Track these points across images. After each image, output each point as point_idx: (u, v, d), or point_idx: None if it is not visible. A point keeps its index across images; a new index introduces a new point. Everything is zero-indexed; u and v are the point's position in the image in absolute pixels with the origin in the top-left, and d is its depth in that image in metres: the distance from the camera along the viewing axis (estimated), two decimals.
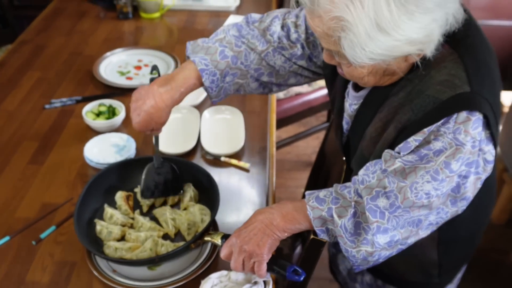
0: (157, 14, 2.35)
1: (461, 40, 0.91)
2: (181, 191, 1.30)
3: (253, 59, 1.18)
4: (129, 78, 1.86)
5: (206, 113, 1.64)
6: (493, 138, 0.89)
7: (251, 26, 1.19)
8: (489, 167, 0.91)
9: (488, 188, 1.10)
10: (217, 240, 1.09)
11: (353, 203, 0.95)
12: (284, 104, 2.46)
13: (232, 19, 2.30)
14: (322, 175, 1.59)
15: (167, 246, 1.15)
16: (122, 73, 1.88)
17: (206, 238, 1.11)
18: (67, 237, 1.24)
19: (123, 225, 1.23)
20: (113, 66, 1.93)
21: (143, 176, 1.27)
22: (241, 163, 1.48)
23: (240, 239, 1.00)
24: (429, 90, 0.89)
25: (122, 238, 1.21)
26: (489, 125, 0.87)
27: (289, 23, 1.17)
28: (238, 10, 2.45)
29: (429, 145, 0.88)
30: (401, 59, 0.89)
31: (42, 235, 1.24)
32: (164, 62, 1.95)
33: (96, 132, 1.57)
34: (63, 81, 1.84)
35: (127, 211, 1.27)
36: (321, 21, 0.83)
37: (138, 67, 1.93)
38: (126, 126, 1.62)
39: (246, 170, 1.47)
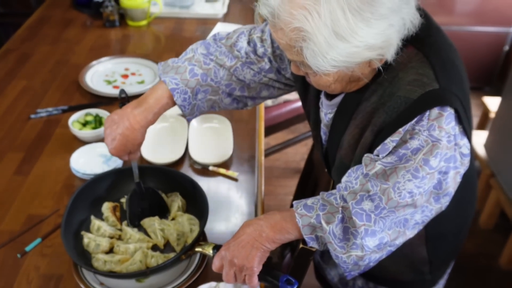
0: (144, 22, 2.34)
1: (424, 40, 0.93)
2: (168, 213, 1.29)
3: (223, 75, 1.20)
4: (116, 87, 1.84)
5: (194, 122, 1.63)
6: (466, 132, 0.92)
7: (218, 43, 1.21)
8: (466, 161, 0.93)
9: (469, 183, 1.12)
10: (209, 251, 1.08)
11: (340, 208, 0.95)
12: (273, 111, 2.46)
13: (220, 26, 2.30)
14: (310, 182, 1.58)
15: (157, 258, 1.14)
16: (109, 82, 1.87)
17: (197, 249, 1.10)
18: (53, 250, 1.22)
19: (111, 237, 1.21)
20: (100, 74, 1.91)
21: (128, 204, 1.26)
22: (230, 172, 1.47)
23: (229, 252, 1.00)
24: (400, 91, 0.91)
25: (110, 250, 1.19)
26: (461, 119, 0.90)
27: (255, 38, 1.20)
28: (226, 18, 2.44)
29: (406, 144, 0.90)
30: (365, 65, 0.90)
31: (27, 248, 1.22)
32: (151, 70, 1.94)
33: (82, 142, 1.55)
34: (49, 90, 1.82)
35: (114, 222, 1.25)
36: (283, 33, 0.85)
37: (125, 76, 1.91)
38: None
39: (235, 179, 1.46)
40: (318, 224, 0.96)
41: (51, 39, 2.18)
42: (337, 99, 1.05)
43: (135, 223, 1.26)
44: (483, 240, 2.55)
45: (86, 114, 1.61)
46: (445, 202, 0.95)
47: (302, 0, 0.80)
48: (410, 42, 0.92)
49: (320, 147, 1.20)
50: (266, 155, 2.83)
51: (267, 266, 1.01)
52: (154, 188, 1.30)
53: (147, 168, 1.36)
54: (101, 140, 1.56)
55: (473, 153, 1.07)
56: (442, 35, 0.99)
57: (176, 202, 1.28)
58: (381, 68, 0.90)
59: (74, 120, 1.59)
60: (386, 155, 0.92)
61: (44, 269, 1.18)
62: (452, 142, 0.90)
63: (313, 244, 0.99)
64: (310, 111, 1.18)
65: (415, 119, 0.89)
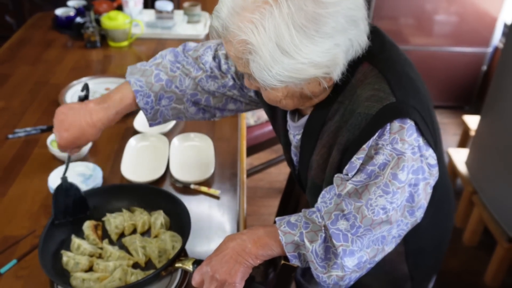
0: (125, 43, 2.34)
1: (378, 55, 0.95)
2: (88, 211, 1.27)
3: (188, 84, 1.21)
4: None
5: (175, 140, 1.62)
6: (429, 142, 0.92)
7: (186, 54, 1.23)
8: (434, 171, 0.94)
9: (444, 195, 1.13)
10: (189, 266, 1.06)
11: (322, 227, 0.94)
12: (255, 130, 2.46)
13: None
14: (292, 201, 1.58)
15: (137, 275, 1.11)
16: None
17: (177, 265, 1.08)
18: (28, 271, 1.19)
19: (91, 255, 1.18)
20: (80, 94, 1.89)
21: (53, 200, 1.22)
22: (211, 190, 1.45)
23: (211, 266, 0.98)
24: (360, 108, 0.92)
25: (90, 269, 1.16)
26: (422, 130, 0.90)
27: (220, 54, 1.21)
28: (207, 38, 2.45)
29: (373, 160, 0.90)
30: (315, 83, 0.91)
31: (2, 270, 1.18)
32: None
33: (61, 162, 1.53)
34: (27, 110, 1.80)
35: (95, 240, 1.22)
36: (232, 45, 0.87)
37: None
38: (92, 155, 1.58)
39: (217, 197, 1.44)
40: (301, 242, 0.95)
41: (31, 60, 2.17)
42: (302, 120, 1.06)
43: (60, 218, 1.22)
44: (468, 257, 2.55)
45: None
46: (419, 214, 0.95)
47: (249, 14, 0.82)
48: (365, 59, 0.93)
49: (293, 169, 1.20)
50: (249, 175, 2.82)
51: (250, 282, 0.99)
52: (77, 185, 1.26)
53: (131, 186, 1.34)
54: (81, 159, 1.54)
55: (444, 164, 1.08)
56: (396, 50, 1.00)
57: (159, 219, 1.26)
58: (326, 86, 0.91)
59: (53, 139, 1.56)
60: (355, 174, 0.92)
61: None
62: (417, 153, 0.90)
63: (295, 262, 0.97)
64: (280, 134, 1.19)
65: (377, 134, 0.89)
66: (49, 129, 1.68)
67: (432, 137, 0.93)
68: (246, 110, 1.30)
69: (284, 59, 0.83)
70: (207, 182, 1.49)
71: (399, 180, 0.89)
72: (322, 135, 1.01)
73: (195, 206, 1.41)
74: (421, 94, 0.95)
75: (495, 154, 2.33)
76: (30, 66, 2.11)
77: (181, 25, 2.53)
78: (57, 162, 1.53)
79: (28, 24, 2.56)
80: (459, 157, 2.72)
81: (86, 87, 1.23)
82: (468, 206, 2.61)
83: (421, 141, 0.90)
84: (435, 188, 0.99)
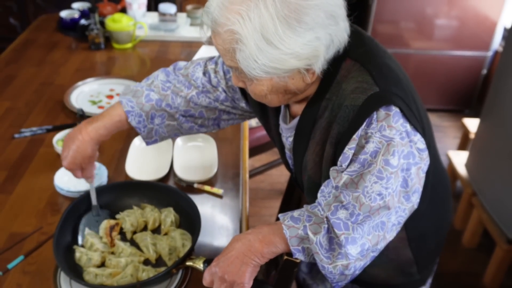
0: (129, 45, 2.37)
1: (359, 50, 1.00)
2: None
3: (180, 102, 1.27)
4: (101, 107, 1.85)
5: (179, 140, 1.65)
6: (416, 128, 0.96)
7: (177, 72, 1.29)
8: (424, 155, 0.97)
9: (439, 179, 1.17)
10: (199, 265, 1.08)
11: (325, 219, 0.97)
12: (257, 132, 2.48)
13: (205, 49, 2.33)
14: (293, 202, 1.60)
15: (148, 272, 1.13)
16: (94, 102, 1.88)
17: (188, 263, 1.10)
18: (35, 267, 1.21)
19: (103, 251, 1.21)
20: (85, 95, 1.92)
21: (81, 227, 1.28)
22: (214, 189, 1.47)
23: (219, 268, 1.00)
24: (346, 101, 0.96)
25: (102, 264, 1.18)
26: (407, 117, 0.94)
27: (210, 70, 1.27)
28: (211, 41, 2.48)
29: (364, 149, 0.94)
30: (298, 78, 0.96)
31: (10, 265, 1.20)
32: None
33: None
34: (33, 111, 1.82)
35: (107, 244, 1.24)
36: (220, 37, 0.92)
37: (110, 96, 1.92)
38: None
39: (220, 196, 1.47)
40: (305, 235, 0.97)
41: (36, 61, 2.19)
42: (294, 122, 1.10)
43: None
44: (467, 259, 2.57)
45: None
46: (415, 199, 0.98)
47: (236, 6, 0.88)
48: (347, 56, 0.99)
49: (290, 172, 1.24)
50: (251, 176, 2.84)
51: (258, 282, 1.01)
52: (108, 213, 1.32)
53: (142, 184, 1.36)
54: None
55: (435, 150, 1.11)
56: (375, 44, 1.05)
57: (169, 217, 1.28)
58: (309, 81, 0.96)
59: (59, 139, 1.59)
60: (349, 164, 0.96)
61: (27, 287, 1.16)
62: (405, 138, 0.94)
63: (299, 256, 0.99)
64: (274, 139, 1.23)
65: (365, 123, 0.94)
66: (55, 129, 1.71)
67: (418, 123, 0.97)
68: (239, 121, 1.36)
69: (269, 49, 0.88)
70: (210, 182, 1.51)
71: (392, 165, 0.92)
72: (314, 134, 1.05)
73: (199, 205, 1.41)
74: (403, 82, 1.00)
75: (494, 157, 2.35)
76: (35, 68, 2.14)
77: (184, 28, 2.56)
78: None
79: (33, 26, 2.59)
80: (459, 159, 2.74)
81: (81, 111, 1.39)
82: (467, 208, 2.63)
83: (408, 126, 0.94)
84: (429, 173, 1.02)
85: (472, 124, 2.99)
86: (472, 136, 2.90)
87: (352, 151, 0.95)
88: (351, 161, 0.95)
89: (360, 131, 0.94)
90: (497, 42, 3.57)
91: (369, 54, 1.01)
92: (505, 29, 3.47)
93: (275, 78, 0.95)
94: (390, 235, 0.98)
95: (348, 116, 0.96)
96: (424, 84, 3.69)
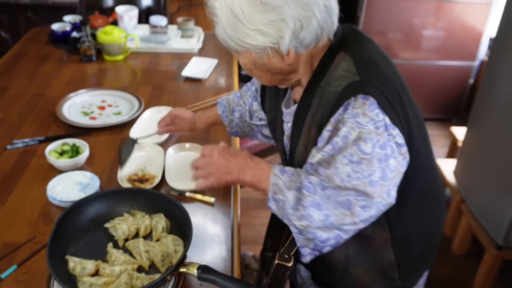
0: (120, 57, 2.39)
1: (352, 45, 1.10)
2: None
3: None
4: (93, 118, 1.87)
5: (171, 150, 1.67)
6: (395, 123, 1.00)
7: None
8: (403, 150, 1.03)
9: (429, 185, 1.20)
10: (193, 272, 1.10)
11: (300, 180, 1.06)
12: (248, 142, 2.50)
13: (195, 61, 2.36)
14: None
15: (142, 279, 1.14)
16: (85, 113, 1.89)
17: (182, 270, 1.12)
18: (28, 276, 1.22)
19: (96, 259, 1.22)
20: (77, 106, 1.94)
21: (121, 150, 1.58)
22: (206, 198, 1.49)
23: (214, 161, 1.20)
24: (331, 87, 1.05)
25: (96, 273, 1.19)
26: (386, 110, 0.99)
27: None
28: (201, 52, 2.52)
29: (338, 132, 1.01)
30: (278, 58, 1.06)
31: (3, 275, 1.21)
32: (128, 101, 1.98)
33: (59, 172, 1.56)
34: (25, 122, 1.84)
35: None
36: (206, 10, 1.06)
37: (102, 107, 1.94)
38: (89, 165, 1.62)
39: (211, 205, 1.48)
40: (282, 186, 1.08)
41: (28, 73, 2.21)
42: (293, 108, 1.19)
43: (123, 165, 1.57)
44: (457, 265, 2.60)
45: (63, 144, 1.63)
46: (394, 194, 1.04)
47: None
48: (342, 49, 1.09)
49: (285, 163, 1.29)
50: (242, 186, 2.85)
51: (250, 286, 1.03)
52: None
53: (131, 191, 1.38)
54: (78, 168, 1.58)
55: (428, 155, 1.16)
56: (370, 43, 1.13)
57: (160, 223, 1.29)
58: (288, 60, 1.05)
59: (51, 149, 1.60)
60: (324, 145, 1.04)
61: None
62: (380, 128, 0.99)
63: (271, 204, 1.10)
64: (277, 128, 1.32)
65: (342, 108, 1.01)
66: (47, 140, 1.72)
67: (398, 118, 1.01)
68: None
69: (237, 23, 1.00)
70: (202, 190, 1.53)
71: (363, 151, 0.99)
72: (306, 120, 1.12)
73: (190, 213, 1.43)
74: (388, 79, 1.05)
75: (481, 164, 2.39)
76: (27, 80, 2.16)
77: (175, 40, 2.59)
78: (55, 171, 1.57)
79: (24, 38, 2.61)
80: (448, 167, 2.78)
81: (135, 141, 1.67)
82: (456, 215, 2.67)
83: (387, 120, 1.00)
84: (418, 178, 1.09)
85: (460, 132, 3.03)
86: (460, 144, 2.94)
87: (328, 133, 1.04)
88: (327, 143, 1.04)
89: (336, 115, 1.02)
90: (483, 52, 3.63)
91: (360, 49, 1.09)
92: (491, 39, 3.53)
93: (253, 54, 1.06)
94: (362, 223, 1.04)
95: (330, 101, 1.04)
96: (413, 93, 3.71)
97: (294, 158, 1.19)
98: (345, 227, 1.04)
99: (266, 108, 1.38)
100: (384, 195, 1.01)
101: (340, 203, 1.02)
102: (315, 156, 1.05)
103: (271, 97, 1.34)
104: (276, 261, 1.04)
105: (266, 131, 1.51)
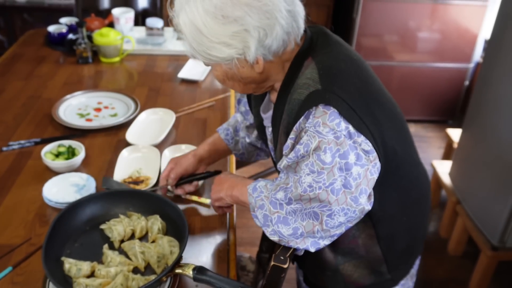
0: (117, 59, 2.39)
1: (320, 51, 1.09)
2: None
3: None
4: (89, 120, 1.87)
5: (167, 151, 1.67)
6: (360, 130, 1.00)
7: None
8: (372, 157, 1.02)
9: (414, 185, 1.22)
10: (189, 273, 1.10)
11: (267, 197, 1.08)
12: None
13: (192, 63, 2.36)
14: None
15: (138, 280, 1.14)
16: (81, 115, 1.89)
17: (177, 271, 1.12)
18: (24, 278, 1.21)
19: (92, 261, 1.22)
20: (73, 108, 1.94)
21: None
22: (202, 199, 1.49)
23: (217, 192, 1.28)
24: (295, 95, 1.06)
25: (91, 274, 1.19)
26: (349, 118, 0.99)
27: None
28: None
29: (300, 141, 1.02)
30: (248, 68, 1.06)
31: None
32: (124, 103, 1.98)
33: (55, 173, 1.56)
34: (21, 124, 1.83)
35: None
36: (173, 26, 1.07)
37: (98, 109, 1.94)
38: (85, 166, 1.62)
39: (207, 206, 1.49)
40: (254, 205, 1.11)
41: (24, 75, 2.21)
42: (269, 113, 1.22)
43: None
44: (453, 266, 2.60)
45: (59, 146, 1.63)
46: (364, 201, 1.02)
47: (177, 1, 1.04)
48: (310, 54, 1.09)
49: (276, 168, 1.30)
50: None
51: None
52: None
53: (127, 192, 1.38)
54: (74, 170, 1.58)
55: (404, 153, 1.15)
56: (339, 48, 1.12)
57: (156, 224, 1.30)
58: (258, 69, 1.06)
59: (47, 151, 1.60)
60: (289, 152, 1.05)
61: None
62: (341, 138, 0.98)
63: (256, 221, 1.11)
64: (261, 134, 1.35)
65: (303, 117, 1.02)
66: (43, 142, 1.72)
67: (364, 124, 1.01)
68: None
69: (201, 38, 1.01)
70: (198, 192, 1.53)
71: (323, 161, 0.98)
72: (280, 126, 1.13)
73: (187, 215, 1.44)
74: (353, 86, 1.04)
75: (477, 165, 2.40)
76: (23, 81, 2.16)
77: (171, 42, 2.59)
78: (51, 173, 1.57)
79: (20, 40, 2.61)
80: (443, 168, 2.79)
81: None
82: (452, 216, 2.68)
83: (350, 128, 0.99)
84: (396, 176, 1.10)
85: (455, 134, 3.04)
86: (455, 145, 2.96)
87: (292, 141, 1.05)
88: (290, 150, 1.05)
89: (298, 124, 1.03)
90: (478, 54, 3.65)
91: (326, 55, 1.08)
92: (486, 41, 3.55)
93: (223, 66, 1.07)
94: (337, 231, 1.04)
95: (293, 109, 1.05)
96: (408, 95, 3.76)
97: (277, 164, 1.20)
98: (317, 234, 1.03)
99: (254, 113, 1.38)
100: (350, 202, 1.00)
101: (307, 214, 1.02)
102: (283, 161, 1.06)
103: (255, 102, 1.34)
104: (272, 263, 1.04)
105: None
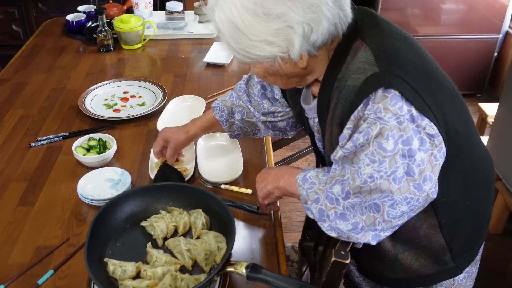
0: (138, 45, 2.32)
1: (369, 31, 1.02)
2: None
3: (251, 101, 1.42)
4: (117, 111, 1.80)
5: (201, 140, 1.60)
6: (424, 112, 0.92)
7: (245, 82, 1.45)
8: (437, 141, 0.94)
9: (476, 166, 1.14)
10: (241, 271, 1.03)
11: (322, 190, 1.02)
12: None
13: (216, 46, 2.28)
14: None
15: (187, 280, 1.08)
16: (109, 106, 1.83)
17: (229, 269, 1.05)
18: (66, 281, 1.16)
19: (136, 261, 1.15)
20: (99, 99, 1.87)
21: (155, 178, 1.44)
22: (243, 190, 1.43)
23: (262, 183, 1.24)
24: (349, 81, 0.98)
25: (137, 275, 1.13)
26: (412, 100, 0.91)
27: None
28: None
29: (358, 129, 0.94)
30: (292, 64, 1.00)
31: (40, 281, 1.15)
32: (150, 91, 1.91)
33: (87, 168, 1.50)
34: (47, 118, 1.77)
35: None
36: (212, 26, 1.02)
37: (125, 99, 1.87)
38: (118, 160, 1.56)
39: (248, 195, 1.42)
40: (307, 197, 1.05)
41: (45, 67, 2.14)
42: (314, 103, 1.15)
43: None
44: (493, 245, 2.52)
45: (89, 139, 1.56)
46: (428, 188, 0.95)
47: (210, 1, 0.99)
48: (358, 36, 1.01)
49: (321, 161, 1.25)
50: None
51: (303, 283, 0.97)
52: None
53: (166, 186, 1.31)
54: (107, 164, 1.52)
55: (466, 135, 1.07)
56: (388, 26, 1.05)
57: (199, 219, 1.22)
58: (302, 64, 1.00)
59: (78, 145, 1.54)
60: (346, 142, 0.97)
61: None
62: (404, 123, 0.91)
63: (308, 213, 1.06)
64: (305, 126, 1.27)
65: (362, 104, 0.94)
66: (71, 136, 1.66)
67: (427, 106, 0.93)
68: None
69: (241, 37, 0.95)
70: (237, 182, 1.46)
71: (385, 149, 0.91)
72: (328, 116, 1.06)
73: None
74: (412, 65, 0.97)
75: None
76: (45, 73, 2.09)
77: (192, 25, 2.50)
78: (83, 168, 1.50)
79: (39, 31, 2.54)
80: None
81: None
82: None
83: (413, 110, 0.92)
84: (459, 159, 1.02)
85: (488, 108, 2.93)
86: (489, 120, 2.85)
87: (349, 131, 0.97)
88: (347, 140, 0.97)
89: (357, 112, 0.95)
90: (507, 24, 3.51)
91: (378, 35, 1.01)
92: None
93: (264, 63, 1.00)
94: (399, 221, 0.98)
95: (349, 97, 0.97)
96: None
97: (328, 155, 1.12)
98: (378, 227, 0.97)
99: (290, 103, 1.32)
100: (413, 189, 0.94)
101: (367, 208, 0.96)
102: (338, 152, 0.98)
103: (291, 92, 1.27)
104: (333, 259, 0.97)
105: (282, 124, 1.43)
